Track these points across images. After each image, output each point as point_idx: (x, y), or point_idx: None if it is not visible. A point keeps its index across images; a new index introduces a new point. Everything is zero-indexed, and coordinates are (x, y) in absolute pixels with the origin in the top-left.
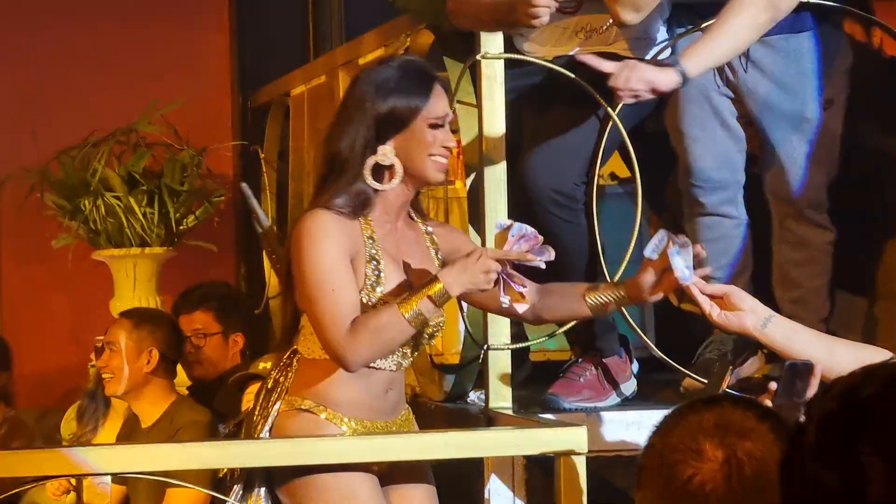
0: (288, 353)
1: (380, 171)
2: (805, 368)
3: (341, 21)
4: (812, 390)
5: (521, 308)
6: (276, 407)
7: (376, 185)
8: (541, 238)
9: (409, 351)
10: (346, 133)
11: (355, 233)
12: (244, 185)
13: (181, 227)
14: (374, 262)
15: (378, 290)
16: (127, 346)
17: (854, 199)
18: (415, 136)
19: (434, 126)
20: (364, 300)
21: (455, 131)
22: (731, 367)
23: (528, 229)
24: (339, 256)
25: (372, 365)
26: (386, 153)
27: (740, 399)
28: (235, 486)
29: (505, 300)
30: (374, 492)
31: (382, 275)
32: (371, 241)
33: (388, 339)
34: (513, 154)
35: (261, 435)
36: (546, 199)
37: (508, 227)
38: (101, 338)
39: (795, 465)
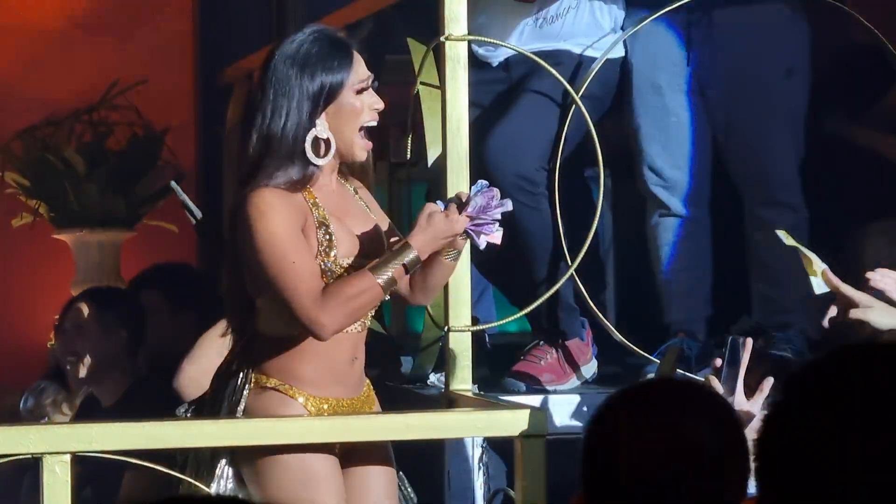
0: (247, 338)
1: (316, 145)
2: (743, 342)
3: (306, 2)
4: (744, 363)
5: (495, 239)
6: (246, 391)
7: (317, 161)
8: (496, 190)
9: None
10: (278, 113)
11: (300, 204)
12: (173, 183)
13: (142, 208)
14: (324, 227)
15: (332, 253)
16: (93, 328)
17: (821, 182)
18: (344, 107)
19: (360, 91)
20: (322, 266)
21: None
22: (681, 350)
23: (483, 183)
24: (291, 229)
25: None
26: (323, 126)
27: (685, 381)
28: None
29: (482, 243)
30: (333, 472)
31: (334, 238)
32: (316, 208)
33: (361, 305)
34: (475, 136)
35: (224, 413)
36: (507, 183)
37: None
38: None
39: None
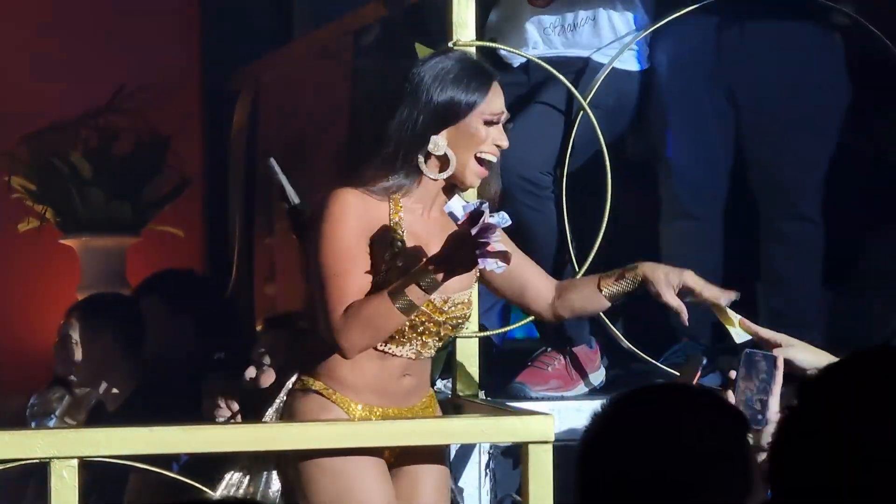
0: (304, 337)
1: (427, 160)
2: (766, 359)
3: (312, 6)
4: (778, 382)
5: (500, 269)
6: (289, 385)
7: (430, 175)
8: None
9: (430, 341)
10: (401, 117)
11: (380, 213)
12: (272, 160)
13: (148, 212)
14: (396, 243)
15: (393, 273)
16: (80, 336)
17: (842, 196)
18: (468, 131)
19: (488, 123)
20: (380, 281)
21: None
22: (703, 361)
23: (480, 201)
24: (352, 240)
25: (387, 351)
26: (438, 143)
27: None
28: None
29: (492, 266)
30: (377, 476)
31: (400, 261)
32: (396, 223)
33: (378, 326)
34: None
35: (267, 412)
36: (511, 184)
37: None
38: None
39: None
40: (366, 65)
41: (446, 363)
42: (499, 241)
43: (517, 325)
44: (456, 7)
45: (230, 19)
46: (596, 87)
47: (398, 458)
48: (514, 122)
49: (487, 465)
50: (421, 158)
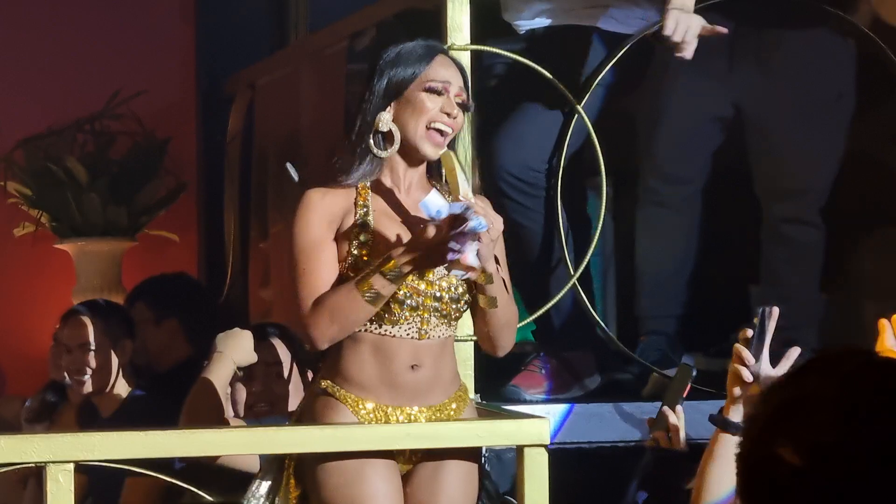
0: None
1: (380, 140)
2: (769, 312)
3: (306, 11)
4: (771, 330)
5: (463, 276)
6: (308, 390)
7: (376, 151)
8: (471, 209)
9: (431, 318)
10: (357, 110)
11: (346, 203)
12: (289, 165)
13: (143, 217)
14: (364, 227)
15: (364, 250)
16: (100, 343)
17: (844, 199)
18: (412, 101)
19: (432, 91)
20: (354, 263)
21: (465, 107)
22: (693, 372)
23: (462, 204)
24: (315, 236)
25: (384, 333)
26: (383, 118)
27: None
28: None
29: (458, 272)
30: (383, 476)
31: (370, 240)
32: (361, 208)
33: (346, 316)
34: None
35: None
36: (501, 181)
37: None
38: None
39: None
40: (360, 69)
41: None
42: (475, 251)
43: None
44: (450, 11)
45: (225, 24)
46: (590, 91)
47: (424, 453)
48: (507, 118)
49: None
50: (372, 139)
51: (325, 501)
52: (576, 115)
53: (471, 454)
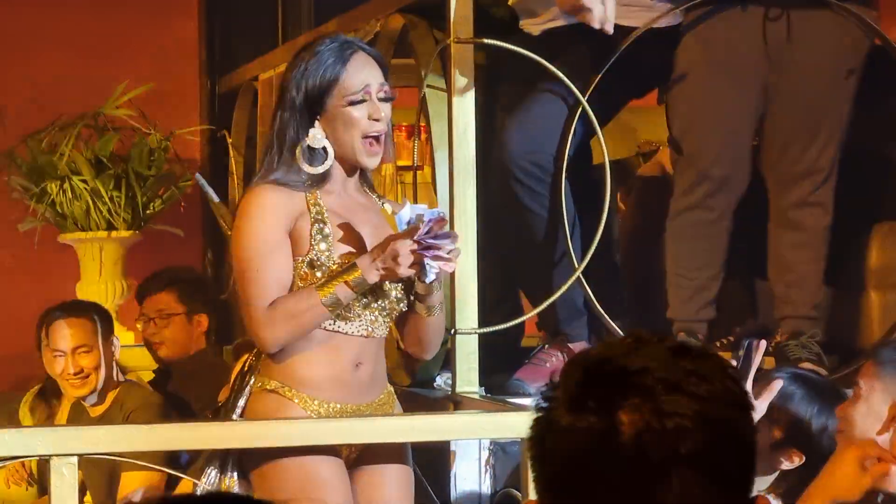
0: None
1: (315, 153)
2: (756, 345)
3: (311, 5)
4: (756, 363)
5: (449, 267)
6: (248, 387)
7: (310, 170)
8: (446, 220)
9: (378, 315)
10: (278, 118)
11: (298, 202)
12: (198, 175)
13: (148, 212)
14: (319, 224)
15: (325, 246)
16: (101, 346)
17: (850, 185)
18: (337, 118)
19: (353, 103)
20: (313, 259)
21: (389, 99)
22: None
23: (437, 211)
24: (270, 236)
25: (337, 329)
26: (316, 137)
27: None
28: (208, 469)
29: (430, 274)
30: (336, 475)
31: (330, 234)
32: (317, 207)
33: (302, 321)
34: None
35: (233, 416)
36: (516, 167)
37: (420, 216)
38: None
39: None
40: None
41: (445, 360)
42: (436, 269)
43: (516, 321)
44: (455, 5)
45: (230, 18)
46: (594, 84)
47: (358, 457)
48: (519, 107)
49: (487, 462)
50: (300, 157)
51: (278, 496)
52: (580, 109)
53: (404, 458)
